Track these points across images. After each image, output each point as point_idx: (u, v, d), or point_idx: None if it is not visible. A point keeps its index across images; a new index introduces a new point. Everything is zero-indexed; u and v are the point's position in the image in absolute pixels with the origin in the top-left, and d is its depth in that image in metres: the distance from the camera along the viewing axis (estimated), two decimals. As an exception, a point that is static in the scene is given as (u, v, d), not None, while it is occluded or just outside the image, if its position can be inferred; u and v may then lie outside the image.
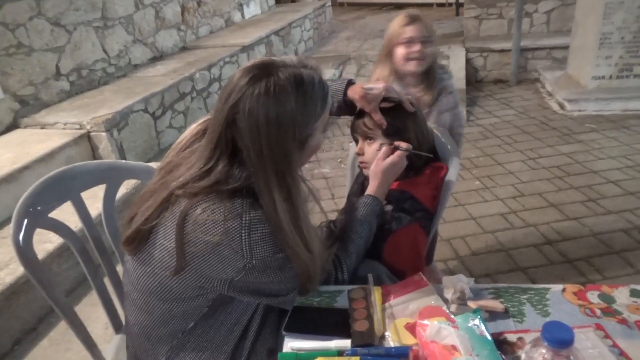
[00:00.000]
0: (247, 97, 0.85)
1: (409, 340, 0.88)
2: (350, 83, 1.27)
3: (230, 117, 0.87)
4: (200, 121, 1.04)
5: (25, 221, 1.09)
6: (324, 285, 1.06)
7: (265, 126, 0.85)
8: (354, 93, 1.24)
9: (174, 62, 4.11)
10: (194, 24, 4.96)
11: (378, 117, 1.24)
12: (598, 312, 0.92)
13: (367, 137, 1.30)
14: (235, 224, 0.86)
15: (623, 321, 0.89)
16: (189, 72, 3.70)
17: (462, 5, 6.44)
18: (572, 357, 0.68)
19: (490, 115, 4.18)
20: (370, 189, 1.22)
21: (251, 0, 6.25)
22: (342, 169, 3.42)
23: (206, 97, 3.89)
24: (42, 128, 2.96)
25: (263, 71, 0.87)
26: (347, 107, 1.28)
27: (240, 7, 5.97)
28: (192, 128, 1.04)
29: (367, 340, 0.88)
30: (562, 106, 4.13)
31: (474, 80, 5.09)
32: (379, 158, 1.22)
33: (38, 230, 1.12)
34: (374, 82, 1.38)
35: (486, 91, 4.83)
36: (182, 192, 0.90)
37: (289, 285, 0.97)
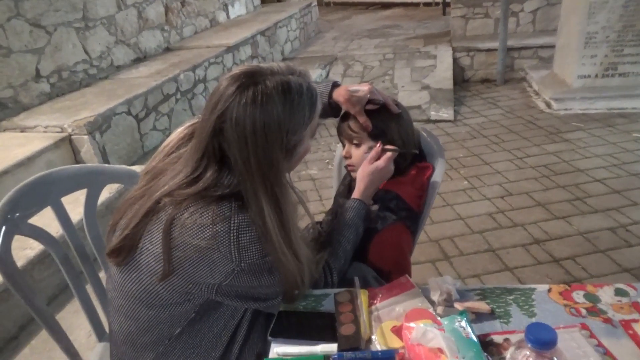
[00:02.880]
0: (234, 107, 0.86)
1: (395, 343, 0.88)
2: (335, 85, 1.28)
3: (217, 126, 0.88)
4: (186, 124, 1.04)
5: (3, 228, 1.08)
6: (314, 288, 1.07)
7: (253, 136, 0.86)
8: (338, 95, 1.25)
9: (158, 63, 4.09)
10: (178, 25, 4.93)
11: (363, 119, 1.25)
12: (583, 311, 0.94)
13: (354, 140, 1.31)
14: (224, 227, 0.86)
15: (608, 320, 0.91)
16: (173, 74, 3.68)
17: (448, 5, 6.49)
18: (555, 358, 0.69)
19: (478, 115, 4.23)
20: (357, 192, 1.22)
21: (236, 0, 6.24)
22: (329, 170, 3.44)
23: (191, 99, 3.87)
24: (22, 131, 2.92)
25: (250, 79, 0.88)
26: (332, 109, 1.28)
27: (225, 7, 5.95)
28: (179, 132, 1.04)
29: (354, 344, 0.88)
30: (548, 105, 4.19)
31: (461, 79, 5.14)
32: (367, 161, 1.23)
33: (18, 237, 1.11)
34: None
35: (473, 91, 4.88)
36: (169, 200, 0.90)
37: (277, 288, 0.97)
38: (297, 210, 0.99)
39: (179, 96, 3.72)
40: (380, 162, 1.22)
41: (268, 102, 0.86)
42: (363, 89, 1.25)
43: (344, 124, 1.31)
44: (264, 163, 0.88)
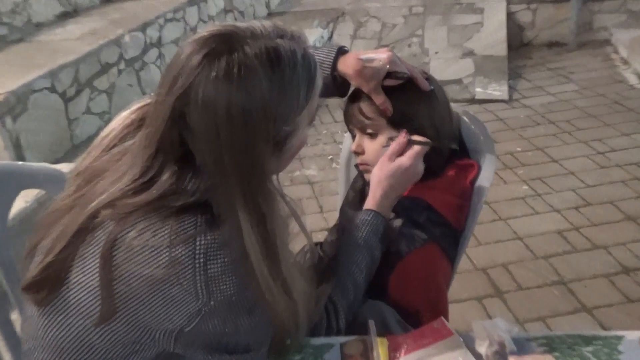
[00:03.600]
0: (201, 83, 0.86)
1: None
2: (341, 52, 1.27)
3: (177, 110, 0.87)
4: (134, 107, 1.04)
5: None
6: (312, 336, 1.06)
7: (227, 124, 0.86)
8: (346, 67, 1.24)
9: (93, 20, 4.09)
10: (122, -34, 4.95)
11: (381, 100, 1.25)
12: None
13: (367, 130, 1.31)
14: (186, 250, 0.86)
15: None
16: (115, 35, 3.68)
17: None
18: None
19: (542, 92, 4.24)
20: (373, 201, 1.22)
21: None
22: (333, 169, 3.45)
23: (140, 70, 3.87)
24: None
25: (223, 45, 0.87)
26: (337, 85, 1.28)
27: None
28: (123, 117, 1.04)
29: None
30: (641, 79, 4.20)
31: (518, 43, 5.15)
32: (387, 158, 1.24)
33: None
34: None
35: (536, 58, 4.89)
36: (109, 213, 0.90)
37: (261, 334, 0.97)
38: (288, 227, 0.98)
39: (122, 66, 3.72)
40: (405, 160, 1.22)
41: (248, 77, 0.86)
42: (380, 57, 1.25)
43: (354, 107, 1.31)
44: (242, 162, 0.88)
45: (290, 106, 0.92)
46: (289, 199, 1.00)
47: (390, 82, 1.26)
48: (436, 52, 4.77)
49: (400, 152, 1.24)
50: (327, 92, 1.28)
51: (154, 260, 0.86)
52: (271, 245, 0.91)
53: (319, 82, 0.98)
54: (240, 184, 0.88)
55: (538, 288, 2.42)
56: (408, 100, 1.27)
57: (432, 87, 1.30)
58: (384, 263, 1.22)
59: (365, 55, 1.26)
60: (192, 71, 0.87)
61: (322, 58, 1.27)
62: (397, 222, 1.27)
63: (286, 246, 0.96)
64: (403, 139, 1.24)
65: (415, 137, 1.25)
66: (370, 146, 1.31)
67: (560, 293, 2.38)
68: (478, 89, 4.31)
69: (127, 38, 3.77)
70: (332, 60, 1.27)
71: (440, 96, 1.32)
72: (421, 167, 1.24)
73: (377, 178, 1.24)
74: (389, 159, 1.23)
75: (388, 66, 1.25)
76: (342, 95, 1.33)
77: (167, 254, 0.86)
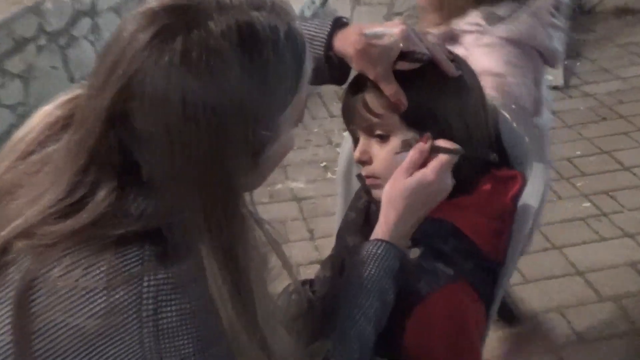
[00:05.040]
0: (149, 72, 0.85)
1: None
2: (338, 24, 1.27)
3: (117, 108, 0.87)
4: (60, 100, 1.03)
5: None
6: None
7: (184, 125, 0.85)
8: (346, 44, 1.24)
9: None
10: None
11: (392, 90, 1.25)
12: None
13: (375, 131, 1.31)
14: (130, 294, 0.86)
15: None
16: (33, 0, 3.69)
17: None
18: None
19: (609, 77, 4.27)
20: (384, 227, 1.22)
21: None
22: (327, 181, 3.46)
23: (66, 47, 3.87)
24: None
25: (179, 20, 0.87)
26: (334, 69, 1.28)
27: None
28: (45, 113, 1.03)
29: None
30: None
31: (577, 10, 5.16)
32: (401, 171, 1.23)
33: None
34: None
35: (601, 31, 4.93)
36: (25, 245, 0.90)
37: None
38: (267, 263, 0.99)
39: (43, 42, 3.71)
40: (429, 174, 1.22)
41: (213, 62, 0.86)
42: (392, 31, 1.25)
43: (357, 100, 1.31)
44: (205, 176, 0.88)
45: (270, 101, 0.92)
46: (268, 227, 1.00)
47: (404, 66, 1.26)
48: (467, 24, 4.80)
49: (421, 164, 1.24)
50: (320, 78, 1.27)
51: (86, 307, 0.86)
52: (244, 288, 0.91)
53: (309, 68, 0.98)
54: (203, 206, 0.89)
55: (605, 340, 2.42)
56: (429, 90, 1.28)
57: (461, 72, 1.30)
58: (397, 307, 1.21)
59: (372, 29, 1.26)
60: (138, 55, 0.86)
61: (312, 33, 1.26)
62: (415, 253, 1.27)
63: (264, 288, 0.96)
64: (424, 144, 1.25)
65: (441, 143, 1.25)
66: (380, 153, 1.30)
67: (636, 349, 2.38)
68: (523, 73, 4.32)
69: (48, 4, 3.77)
70: (326, 36, 1.27)
71: (472, 84, 1.32)
72: (449, 182, 1.24)
73: (390, 196, 1.23)
74: (406, 172, 1.23)
75: (401, 44, 1.24)
76: (339, 82, 1.34)
77: (103, 298, 0.86)
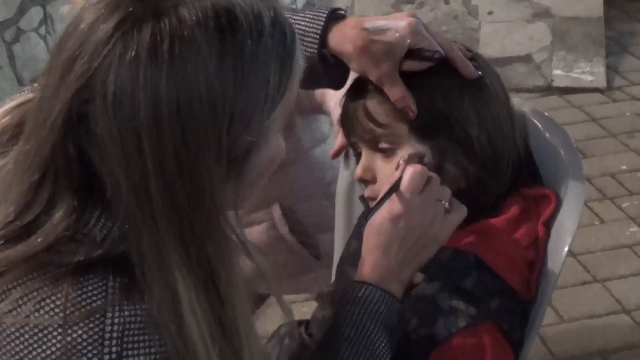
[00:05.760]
0: (112, 68, 0.86)
1: None
2: (334, 16, 1.29)
3: (74, 111, 0.88)
4: (7, 105, 1.06)
5: None
6: None
7: (154, 130, 0.86)
8: (343, 40, 1.26)
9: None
10: None
11: (399, 94, 1.26)
12: None
13: (380, 144, 1.31)
14: (90, 333, 0.86)
15: None
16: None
17: None
18: None
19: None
20: (367, 268, 1.22)
21: None
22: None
23: (13, 42, 3.89)
24: None
25: (145, 6, 0.88)
26: (329, 70, 1.31)
27: None
28: None
29: None
30: None
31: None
32: (407, 190, 1.21)
33: None
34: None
35: (648, 21, 4.96)
36: None
37: None
38: (252, 295, 0.99)
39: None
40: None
41: (186, 55, 0.86)
42: (398, 24, 1.25)
43: (357, 106, 1.31)
44: (179, 191, 0.88)
45: (253, 102, 0.92)
46: (254, 248, 1.00)
47: (413, 66, 1.26)
48: (490, 12, 4.82)
49: (424, 182, 1.22)
50: (314, 81, 1.30)
51: (38, 348, 0.86)
52: (226, 325, 0.92)
53: (299, 64, 0.98)
54: (177, 228, 0.88)
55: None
56: (443, 94, 1.28)
57: (481, 73, 1.30)
58: (410, 353, 1.24)
59: (374, 22, 1.26)
60: (98, 49, 0.87)
61: (303, 27, 1.28)
62: (430, 289, 1.28)
63: (250, 327, 0.97)
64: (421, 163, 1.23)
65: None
66: (384, 169, 1.30)
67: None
68: (557, 71, 4.35)
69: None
70: (320, 30, 1.27)
71: (495, 87, 1.33)
72: (461, 212, 1.24)
73: (378, 229, 1.22)
74: (409, 192, 1.21)
75: (409, 40, 1.24)
76: (336, 86, 1.34)
77: (58, 338, 0.86)
